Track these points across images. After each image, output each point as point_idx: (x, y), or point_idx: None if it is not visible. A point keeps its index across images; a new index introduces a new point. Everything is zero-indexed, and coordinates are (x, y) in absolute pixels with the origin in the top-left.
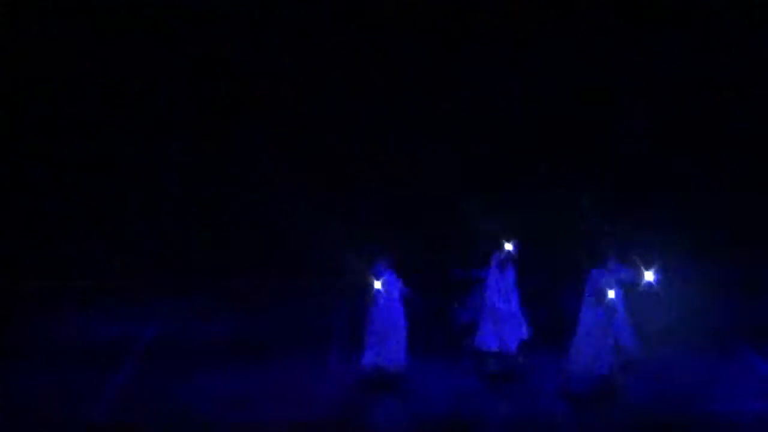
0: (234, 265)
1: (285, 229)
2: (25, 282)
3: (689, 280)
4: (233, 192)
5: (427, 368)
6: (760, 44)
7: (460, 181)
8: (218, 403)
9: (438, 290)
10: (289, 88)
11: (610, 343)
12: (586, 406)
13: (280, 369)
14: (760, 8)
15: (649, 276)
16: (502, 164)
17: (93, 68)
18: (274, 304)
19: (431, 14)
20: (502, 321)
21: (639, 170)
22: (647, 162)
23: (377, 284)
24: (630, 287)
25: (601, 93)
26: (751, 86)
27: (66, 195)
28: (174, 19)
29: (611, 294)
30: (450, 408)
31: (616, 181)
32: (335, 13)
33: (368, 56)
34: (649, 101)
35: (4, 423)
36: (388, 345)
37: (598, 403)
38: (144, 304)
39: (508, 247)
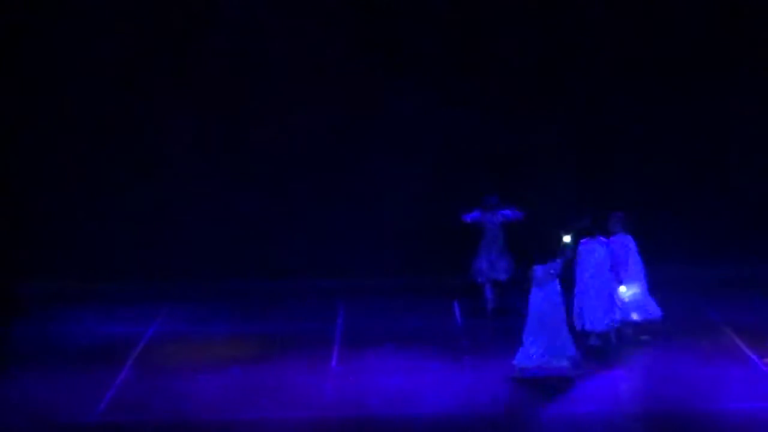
0: (234, 266)
1: (286, 229)
2: (25, 282)
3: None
4: (234, 193)
5: None
6: None
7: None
8: (218, 404)
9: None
10: (287, 88)
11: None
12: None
13: (280, 369)
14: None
15: None
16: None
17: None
18: (273, 305)
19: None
20: (596, 299)
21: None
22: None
23: (542, 273)
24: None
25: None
26: None
27: (67, 195)
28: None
29: None
30: None
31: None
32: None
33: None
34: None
35: (4, 423)
36: (552, 339)
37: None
38: (144, 304)
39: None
